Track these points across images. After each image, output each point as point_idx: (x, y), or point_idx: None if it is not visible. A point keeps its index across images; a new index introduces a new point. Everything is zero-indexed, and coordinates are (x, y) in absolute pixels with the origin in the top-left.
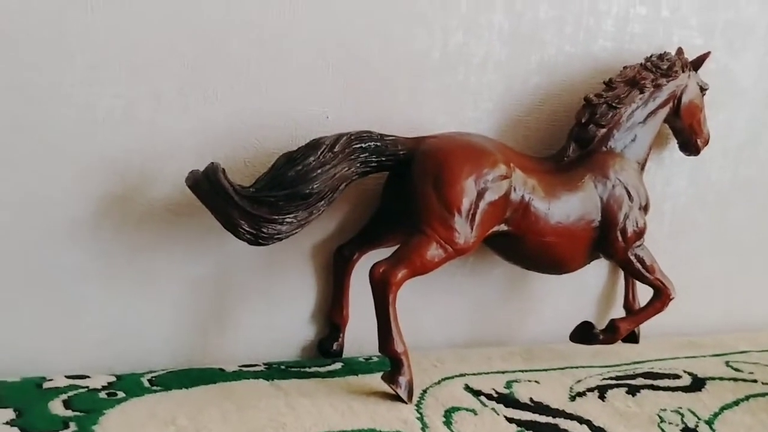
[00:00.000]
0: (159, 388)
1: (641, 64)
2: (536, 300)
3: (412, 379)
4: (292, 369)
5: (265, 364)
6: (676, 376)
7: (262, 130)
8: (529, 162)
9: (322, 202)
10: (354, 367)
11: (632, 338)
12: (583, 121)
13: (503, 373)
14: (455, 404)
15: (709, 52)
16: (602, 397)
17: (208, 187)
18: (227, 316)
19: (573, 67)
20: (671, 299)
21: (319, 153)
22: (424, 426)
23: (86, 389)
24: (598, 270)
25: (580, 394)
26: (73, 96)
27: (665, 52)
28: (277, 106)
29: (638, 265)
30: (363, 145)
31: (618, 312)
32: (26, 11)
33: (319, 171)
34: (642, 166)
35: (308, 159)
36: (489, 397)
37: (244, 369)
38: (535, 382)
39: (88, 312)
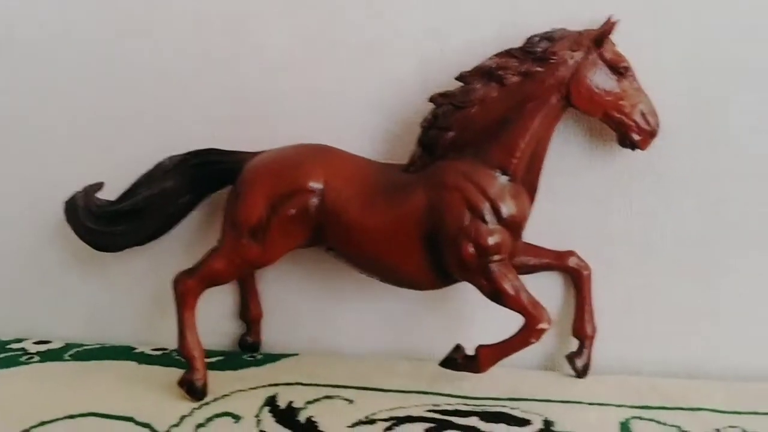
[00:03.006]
0: (69, 358)
1: (508, 50)
2: (467, 314)
3: (203, 379)
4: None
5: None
6: (523, 422)
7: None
8: (369, 173)
9: (155, 218)
10: (227, 362)
11: (576, 371)
12: (424, 125)
13: (326, 386)
14: (230, 410)
15: (614, 22)
16: (389, 429)
17: (68, 204)
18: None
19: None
20: (540, 330)
21: (149, 172)
22: (168, 426)
23: (23, 352)
24: (554, 281)
25: (367, 423)
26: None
27: (554, 28)
28: (177, 129)
29: (488, 286)
30: (196, 162)
31: None
32: None
33: (142, 188)
34: (514, 173)
35: (140, 178)
36: (274, 410)
37: (148, 351)
38: (347, 400)
39: (71, 294)
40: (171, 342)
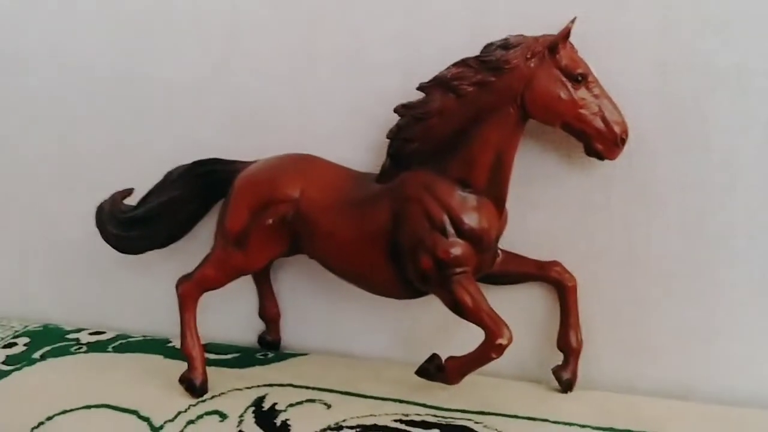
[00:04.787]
0: (111, 350)
1: (464, 59)
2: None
3: (201, 377)
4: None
5: (208, 343)
6: None
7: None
8: (345, 183)
9: (167, 224)
10: (239, 359)
11: (564, 386)
12: (389, 136)
13: (313, 389)
14: (220, 408)
15: (569, 28)
16: None
17: (98, 210)
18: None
19: None
20: (499, 345)
21: (160, 181)
22: (163, 421)
23: (76, 342)
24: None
25: (335, 429)
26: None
27: (511, 35)
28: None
29: (448, 298)
30: (200, 171)
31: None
32: None
33: (153, 196)
34: (475, 186)
35: (153, 186)
36: (258, 411)
37: (178, 345)
38: (326, 405)
39: (126, 287)
40: (204, 338)
